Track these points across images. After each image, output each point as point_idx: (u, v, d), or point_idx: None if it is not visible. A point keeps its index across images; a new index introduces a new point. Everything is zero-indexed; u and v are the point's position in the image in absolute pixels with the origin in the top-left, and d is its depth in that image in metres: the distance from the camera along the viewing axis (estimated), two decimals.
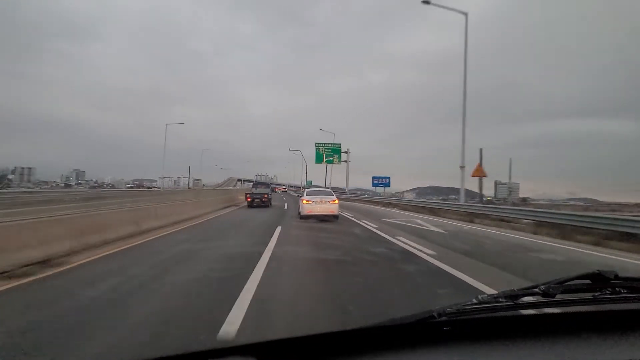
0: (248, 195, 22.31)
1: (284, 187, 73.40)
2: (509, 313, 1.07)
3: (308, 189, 16.66)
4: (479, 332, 1.03)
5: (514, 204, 24.14)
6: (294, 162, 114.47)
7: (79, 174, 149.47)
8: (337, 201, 13.52)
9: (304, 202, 13.33)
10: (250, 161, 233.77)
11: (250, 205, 21.39)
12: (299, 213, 13.73)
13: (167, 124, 43.39)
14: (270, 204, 22.05)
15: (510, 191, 36.98)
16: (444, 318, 0.99)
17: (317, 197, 13.47)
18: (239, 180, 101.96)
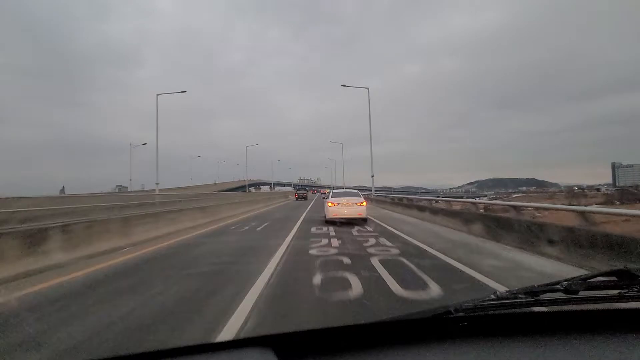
0: (295, 194, 43.32)
1: (327, 189, 60.87)
2: (529, 310, 1.05)
3: (334, 191, 15.95)
4: (496, 328, 1.01)
5: None
6: (336, 164, 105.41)
7: (121, 189, 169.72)
8: (365, 203, 12.68)
9: (329, 204, 12.53)
10: (292, 167, 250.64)
11: (296, 199, 40.94)
12: (325, 217, 12.85)
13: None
14: (307, 199, 41.34)
15: None
16: (460, 314, 0.99)
17: (344, 199, 12.66)
18: (267, 184, 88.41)
